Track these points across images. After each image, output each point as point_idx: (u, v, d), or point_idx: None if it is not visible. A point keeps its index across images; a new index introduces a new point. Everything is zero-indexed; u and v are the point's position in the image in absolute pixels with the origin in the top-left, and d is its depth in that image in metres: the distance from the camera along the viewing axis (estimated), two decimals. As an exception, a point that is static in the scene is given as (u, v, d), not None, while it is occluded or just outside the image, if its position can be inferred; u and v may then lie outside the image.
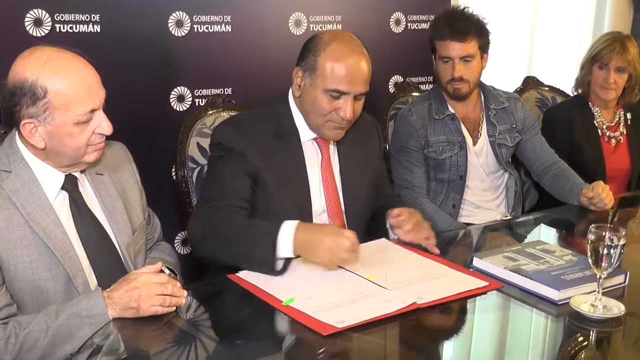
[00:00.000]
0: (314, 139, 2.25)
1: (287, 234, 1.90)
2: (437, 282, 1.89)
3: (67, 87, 1.67)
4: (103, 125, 1.75)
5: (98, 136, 1.77)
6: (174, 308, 1.68)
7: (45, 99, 1.66)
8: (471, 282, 1.90)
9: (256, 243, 1.93)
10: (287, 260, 1.93)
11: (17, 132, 1.76)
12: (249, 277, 1.90)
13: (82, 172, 1.84)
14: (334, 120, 2.16)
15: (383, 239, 2.20)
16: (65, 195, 1.79)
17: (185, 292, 1.70)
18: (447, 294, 1.81)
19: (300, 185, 2.20)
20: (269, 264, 1.91)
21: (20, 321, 1.62)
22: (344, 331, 1.61)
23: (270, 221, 1.98)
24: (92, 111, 1.73)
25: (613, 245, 1.72)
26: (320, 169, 2.25)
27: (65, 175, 1.79)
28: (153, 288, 1.63)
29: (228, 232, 1.99)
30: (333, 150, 2.29)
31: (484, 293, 1.87)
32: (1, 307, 1.65)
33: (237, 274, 1.92)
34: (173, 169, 2.52)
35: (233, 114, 2.58)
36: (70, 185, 1.79)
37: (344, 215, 2.28)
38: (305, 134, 2.23)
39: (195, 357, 1.55)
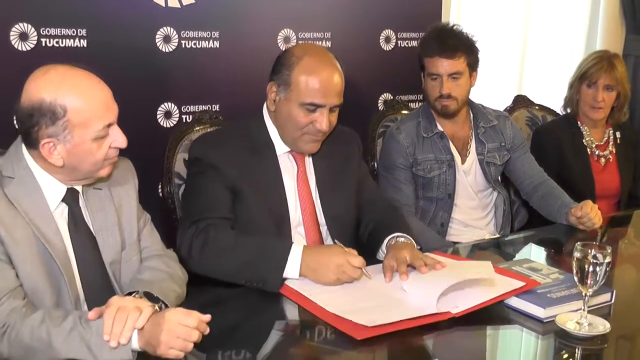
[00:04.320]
0: (289, 151, 2.29)
1: (295, 257, 2.02)
2: (471, 287, 1.92)
3: (85, 105, 1.72)
4: (119, 139, 1.80)
5: (114, 150, 1.81)
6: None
7: (65, 117, 1.70)
8: (506, 284, 1.94)
9: (263, 265, 2.01)
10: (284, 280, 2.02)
11: (22, 142, 1.79)
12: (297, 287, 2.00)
13: (83, 186, 1.87)
14: (310, 133, 2.20)
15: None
16: (65, 208, 1.82)
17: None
18: (482, 300, 1.86)
19: (276, 197, 2.24)
20: (273, 284, 2.00)
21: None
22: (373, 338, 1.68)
23: (269, 240, 2.11)
24: (109, 126, 1.77)
25: (599, 262, 1.76)
26: (295, 181, 2.29)
27: (68, 188, 1.82)
28: (177, 329, 1.54)
29: (224, 248, 2.06)
30: (308, 163, 2.34)
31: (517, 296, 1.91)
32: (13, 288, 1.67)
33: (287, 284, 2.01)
34: (159, 186, 2.55)
35: (219, 130, 2.62)
36: (70, 198, 1.83)
37: (324, 227, 2.32)
38: (281, 147, 2.28)
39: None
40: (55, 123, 1.70)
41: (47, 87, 1.70)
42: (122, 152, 1.99)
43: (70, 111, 1.70)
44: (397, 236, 2.23)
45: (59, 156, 1.74)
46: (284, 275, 2.02)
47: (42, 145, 1.73)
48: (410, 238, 2.23)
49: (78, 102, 1.71)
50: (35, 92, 1.71)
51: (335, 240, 2.12)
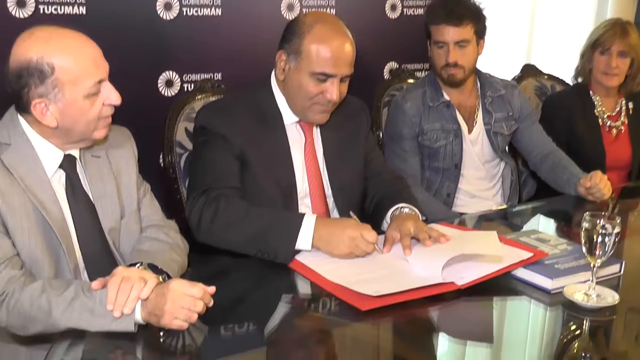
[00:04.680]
0: (297, 122, 2.27)
1: (308, 227, 2.00)
2: (476, 259, 1.90)
3: (73, 62, 1.70)
4: (111, 95, 1.78)
5: (108, 108, 1.80)
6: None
7: (53, 75, 1.69)
8: (514, 255, 1.93)
9: (275, 235, 2.00)
10: (296, 253, 2.02)
11: (17, 111, 1.78)
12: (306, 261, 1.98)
13: (80, 150, 1.86)
14: (320, 103, 2.18)
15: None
16: (62, 174, 1.81)
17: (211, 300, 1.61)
18: (489, 271, 1.85)
19: (284, 168, 2.23)
20: (284, 256, 1.99)
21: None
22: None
23: (281, 211, 2.12)
24: (100, 82, 1.76)
25: (607, 233, 1.74)
26: (303, 152, 2.28)
27: (65, 154, 1.81)
28: (182, 299, 1.54)
29: (235, 219, 2.05)
30: (316, 134, 2.32)
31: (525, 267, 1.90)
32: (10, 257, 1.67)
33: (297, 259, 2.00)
34: (160, 156, 2.54)
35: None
36: (68, 165, 1.82)
37: (330, 198, 2.32)
38: (289, 117, 2.26)
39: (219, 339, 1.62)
40: (44, 82, 1.69)
41: (34, 46, 1.69)
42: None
43: (58, 69, 1.69)
44: (402, 207, 2.21)
45: (52, 117, 1.73)
46: (297, 246, 2.00)
47: (33, 106, 1.71)
48: (415, 209, 2.22)
49: (65, 59, 1.70)
50: (22, 53, 1.70)
51: (351, 212, 2.10)
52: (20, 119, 1.78)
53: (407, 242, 2.00)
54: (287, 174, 2.23)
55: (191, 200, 2.13)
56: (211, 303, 1.59)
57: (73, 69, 1.71)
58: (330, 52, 2.11)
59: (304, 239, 2.00)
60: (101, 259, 1.82)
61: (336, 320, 1.75)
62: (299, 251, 2.02)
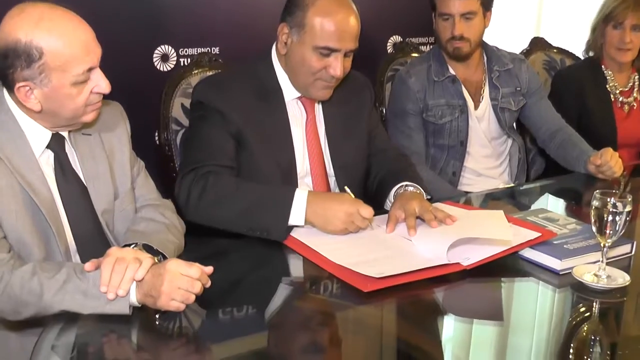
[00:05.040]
0: (299, 98, 2.25)
1: (300, 202, 1.98)
2: (483, 238, 1.90)
3: (63, 47, 1.66)
4: (101, 84, 1.75)
5: (96, 95, 1.76)
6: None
7: (41, 60, 1.65)
8: (521, 235, 1.92)
9: (266, 210, 1.99)
10: (289, 228, 2.00)
11: (4, 87, 1.75)
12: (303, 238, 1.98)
13: (69, 131, 1.83)
14: (323, 79, 2.16)
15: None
16: (50, 154, 1.79)
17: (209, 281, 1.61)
18: (495, 251, 1.84)
19: (284, 146, 2.21)
20: (277, 232, 1.98)
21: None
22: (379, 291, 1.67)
23: (272, 186, 2.09)
24: (90, 70, 1.72)
25: (618, 212, 1.72)
26: (304, 129, 2.27)
27: (53, 133, 1.78)
28: (178, 280, 1.52)
29: (224, 195, 2.04)
30: (318, 110, 2.30)
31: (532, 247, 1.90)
32: None
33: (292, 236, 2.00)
34: (156, 133, 2.53)
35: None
36: (56, 144, 1.79)
37: (332, 177, 2.31)
38: (290, 93, 2.23)
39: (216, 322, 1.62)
40: (31, 66, 1.65)
41: (23, 26, 1.64)
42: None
43: (47, 54, 1.65)
44: (406, 185, 2.19)
45: (36, 100, 1.69)
46: (290, 222, 1.99)
47: (17, 89, 1.68)
48: (420, 187, 2.20)
49: (56, 44, 1.65)
50: (11, 32, 1.65)
51: (346, 187, 2.09)
52: (7, 96, 1.74)
53: (412, 222, 1.98)
54: (287, 152, 2.22)
55: (180, 176, 2.12)
56: (209, 284, 1.58)
57: (62, 55, 1.66)
58: (334, 25, 2.08)
59: (296, 213, 1.99)
60: (94, 241, 1.80)
61: (338, 303, 1.75)
62: (292, 228, 2.01)
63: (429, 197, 2.21)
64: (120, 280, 1.53)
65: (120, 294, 1.52)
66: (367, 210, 1.96)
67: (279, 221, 1.99)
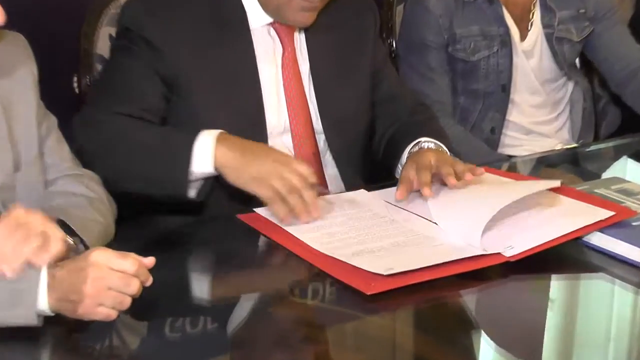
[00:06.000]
0: (271, 24, 2.26)
1: (206, 140, 2.00)
2: (535, 219, 1.90)
3: None
4: None
5: None
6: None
7: None
8: (587, 214, 1.92)
9: (163, 156, 2.04)
10: (206, 185, 2.04)
11: None
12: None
13: None
14: None
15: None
16: None
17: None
18: (549, 236, 1.83)
19: (247, 93, 2.23)
20: (177, 184, 2.01)
21: None
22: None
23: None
24: None
25: None
26: (279, 68, 2.28)
27: None
28: (108, 277, 1.50)
29: (127, 146, 2.09)
30: (299, 41, 2.31)
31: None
32: None
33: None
34: (75, 77, 2.55)
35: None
36: None
37: (321, 135, 2.33)
38: (257, 19, 2.24)
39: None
40: None
41: None
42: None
43: None
44: (423, 142, 2.21)
45: None
46: (193, 167, 2.00)
47: None
48: (443, 146, 2.21)
49: None
50: None
51: None
52: None
53: (426, 177, 1.99)
54: (251, 101, 2.23)
55: (83, 117, 2.19)
56: (150, 281, 1.55)
57: None
58: None
59: (201, 156, 2.00)
60: None
61: (330, 311, 1.75)
62: (204, 185, 2.05)
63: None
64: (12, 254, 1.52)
65: (7, 274, 1.51)
66: (303, 166, 1.96)
67: (178, 169, 2.01)
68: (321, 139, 2.33)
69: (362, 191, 2.19)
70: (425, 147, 2.18)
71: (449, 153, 2.20)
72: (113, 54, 2.31)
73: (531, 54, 2.90)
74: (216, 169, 1.99)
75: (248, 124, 2.21)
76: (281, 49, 2.28)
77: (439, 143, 2.21)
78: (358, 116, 2.38)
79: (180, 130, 2.09)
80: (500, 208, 1.84)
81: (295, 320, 1.73)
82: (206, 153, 1.99)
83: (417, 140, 2.21)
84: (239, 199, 2.06)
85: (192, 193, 2.04)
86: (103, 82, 2.27)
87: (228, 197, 2.13)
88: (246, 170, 1.97)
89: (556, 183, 2.07)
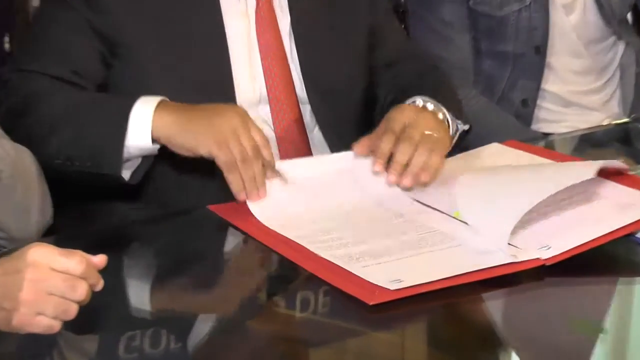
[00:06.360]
0: None
1: (145, 105, 1.97)
2: (578, 212, 1.88)
3: None
4: None
5: None
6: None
7: None
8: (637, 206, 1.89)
9: (95, 125, 2.00)
10: (143, 165, 2.03)
11: None
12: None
13: None
14: None
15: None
16: None
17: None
18: (593, 235, 1.78)
19: (211, 56, 2.23)
20: (109, 159, 1.97)
21: None
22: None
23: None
24: None
25: None
26: (252, 24, 2.27)
27: None
28: (49, 279, 1.44)
29: (48, 108, 2.06)
30: None
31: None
32: None
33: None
34: (6, 36, 2.60)
35: None
36: None
37: (306, 106, 2.32)
38: None
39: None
40: None
41: None
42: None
43: None
44: (420, 100, 2.15)
45: None
46: (128, 140, 1.97)
47: None
48: (445, 110, 2.14)
49: None
50: None
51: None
52: None
53: (386, 145, 1.95)
54: (215, 65, 2.23)
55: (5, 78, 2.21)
56: (100, 285, 1.49)
57: None
58: None
59: (138, 124, 1.97)
60: None
61: (322, 324, 1.69)
62: (141, 164, 2.04)
63: (464, 127, 2.20)
64: None
65: None
66: (259, 129, 1.96)
67: (111, 140, 1.98)
68: (307, 110, 2.32)
69: (350, 153, 2.11)
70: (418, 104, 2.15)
71: (449, 123, 2.14)
72: (45, 6, 2.32)
73: (572, 7, 2.87)
74: (156, 140, 1.96)
75: (211, 93, 2.17)
76: (255, 3, 2.27)
77: (436, 103, 2.14)
78: (351, 83, 2.39)
79: (115, 97, 2.08)
80: (539, 202, 1.79)
81: (278, 336, 1.68)
82: (143, 122, 1.97)
83: (413, 99, 2.15)
84: (211, 188, 2.06)
85: (126, 174, 2.00)
86: (34, 39, 2.25)
87: (197, 187, 2.14)
88: (195, 129, 1.94)
89: (611, 163, 2.01)
